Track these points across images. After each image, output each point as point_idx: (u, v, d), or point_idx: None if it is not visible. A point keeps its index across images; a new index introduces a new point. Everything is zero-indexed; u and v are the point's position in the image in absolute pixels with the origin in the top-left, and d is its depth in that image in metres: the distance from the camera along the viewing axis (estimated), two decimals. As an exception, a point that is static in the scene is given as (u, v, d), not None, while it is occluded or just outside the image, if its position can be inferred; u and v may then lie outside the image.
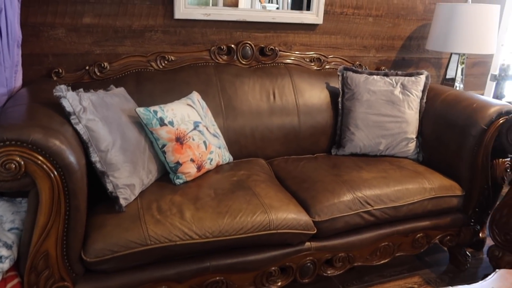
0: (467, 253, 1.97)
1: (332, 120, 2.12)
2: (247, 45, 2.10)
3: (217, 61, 2.05)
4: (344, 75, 2.12)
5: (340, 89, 2.11)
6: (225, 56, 2.08)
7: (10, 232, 1.27)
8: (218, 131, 1.81)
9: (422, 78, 2.09)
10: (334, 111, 2.13)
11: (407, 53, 2.61)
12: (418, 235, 1.78)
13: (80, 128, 1.31)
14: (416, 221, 1.76)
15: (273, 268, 1.49)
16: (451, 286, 1.86)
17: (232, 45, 2.08)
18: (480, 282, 1.14)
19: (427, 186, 1.75)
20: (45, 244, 1.17)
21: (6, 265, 1.20)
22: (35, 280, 1.20)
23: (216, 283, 1.41)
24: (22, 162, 1.09)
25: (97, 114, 1.37)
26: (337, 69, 2.25)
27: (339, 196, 1.59)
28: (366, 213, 1.61)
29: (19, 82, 1.62)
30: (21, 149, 1.08)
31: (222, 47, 2.06)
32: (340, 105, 2.09)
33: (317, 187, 1.64)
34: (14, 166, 1.08)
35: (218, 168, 1.73)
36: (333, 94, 2.15)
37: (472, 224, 1.90)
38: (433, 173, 1.84)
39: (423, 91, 2.08)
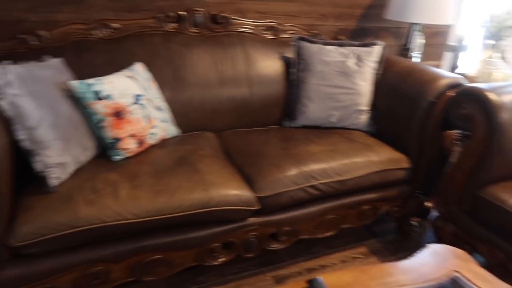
0: (412, 223, 2.02)
1: (286, 91, 2.07)
2: (198, 12, 2.00)
3: (165, 29, 1.95)
4: (299, 45, 2.06)
5: (294, 60, 2.06)
6: (174, 24, 1.98)
7: None
8: (163, 104, 1.74)
9: (377, 48, 2.06)
10: (287, 82, 2.08)
11: (366, 22, 2.56)
12: (365, 207, 1.81)
13: (3, 104, 1.22)
14: (362, 194, 1.77)
15: (215, 244, 1.49)
16: (394, 255, 1.93)
17: (182, 12, 1.98)
18: (410, 258, 1.16)
19: (375, 159, 1.75)
20: (-35, 228, 1.11)
21: None
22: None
23: (155, 262, 1.40)
24: None
25: (24, 89, 1.29)
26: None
27: (284, 171, 1.58)
28: (312, 187, 1.61)
29: None
30: None
31: (170, 14, 1.96)
32: (293, 76, 2.05)
33: (263, 162, 1.62)
34: None
35: (163, 143, 1.68)
36: (288, 65, 2.10)
37: (418, 195, 1.94)
38: (382, 146, 1.85)
39: (378, 62, 2.05)
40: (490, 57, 2.32)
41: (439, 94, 1.78)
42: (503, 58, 2.54)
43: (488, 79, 2.28)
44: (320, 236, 1.74)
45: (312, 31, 2.33)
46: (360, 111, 1.99)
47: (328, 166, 1.65)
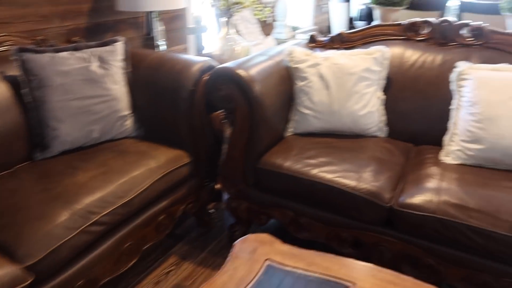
0: (210, 211, 2.02)
1: (25, 118, 1.67)
2: None
3: None
4: (23, 58, 1.66)
5: (22, 77, 1.65)
6: None
7: None
8: None
9: (119, 45, 1.87)
10: (23, 106, 1.67)
11: (100, 17, 2.30)
12: (160, 218, 1.67)
13: None
14: (153, 206, 1.63)
15: None
16: (205, 250, 1.88)
17: None
18: (222, 268, 1.07)
19: (154, 165, 1.61)
20: None
21: None
22: None
23: None
24: None
25: None
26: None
27: (53, 220, 1.26)
28: (94, 224, 1.35)
29: None
30: None
31: None
32: (27, 97, 1.66)
33: (21, 218, 1.26)
34: None
35: None
36: (16, 85, 1.67)
37: (207, 183, 1.92)
38: (157, 149, 1.72)
39: (124, 60, 1.86)
40: (228, 34, 2.46)
41: (195, 81, 1.76)
42: (237, 32, 2.74)
43: (232, 55, 2.41)
44: (124, 269, 1.51)
45: (36, 38, 1.92)
46: (123, 117, 1.79)
47: (106, 192, 1.42)
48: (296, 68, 1.88)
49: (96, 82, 1.73)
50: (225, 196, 1.93)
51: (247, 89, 1.66)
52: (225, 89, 1.69)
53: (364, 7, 4.58)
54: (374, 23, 3.22)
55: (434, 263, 1.46)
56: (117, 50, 1.84)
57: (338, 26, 4.45)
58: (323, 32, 4.59)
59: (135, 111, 1.86)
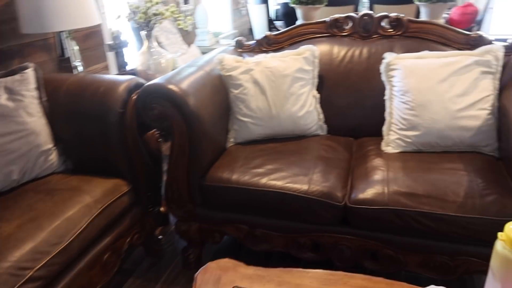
0: (158, 237, 1.89)
1: None
2: None
3: None
4: None
5: None
6: None
7: None
8: None
9: (30, 72, 1.67)
10: None
11: (1, 43, 2.05)
12: (105, 257, 1.51)
13: None
14: (96, 246, 1.47)
15: None
16: (159, 281, 1.75)
17: None
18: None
19: (89, 201, 1.45)
20: None
21: None
22: None
23: None
24: None
25: None
26: None
27: (-24, 286, 1.08)
28: (28, 282, 1.17)
29: None
30: None
31: None
32: None
33: None
34: None
35: None
36: None
37: (151, 209, 1.79)
38: (90, 181, 1.56)
39: (38, 89, 1.67)
40: (151, 47, 2.32)
41: (123, 103, 1.62)
42: (159, 44, 2.61)
43: (158, 69, 2.29)
44: (70, 324, 1.34)
45: None
46: (45, 151, 1.60)
47: (38, 242, 1.24)
48: (229, 76, 1.81)
49: (7, 117, 1.53)
50: (173, 218, 1.81)
51: (181, 105, 1.56)
52: (158, 107, 1.58)
53: (279, 7, 4.65)
54: (297, 22, 3.26)
55: (393, 253, 1.48)
56: (28, 78, 1.65)
57: (259, 28, 4.47)
58: (244, 35, 4.59)
59: (59, 144, 1.67)
